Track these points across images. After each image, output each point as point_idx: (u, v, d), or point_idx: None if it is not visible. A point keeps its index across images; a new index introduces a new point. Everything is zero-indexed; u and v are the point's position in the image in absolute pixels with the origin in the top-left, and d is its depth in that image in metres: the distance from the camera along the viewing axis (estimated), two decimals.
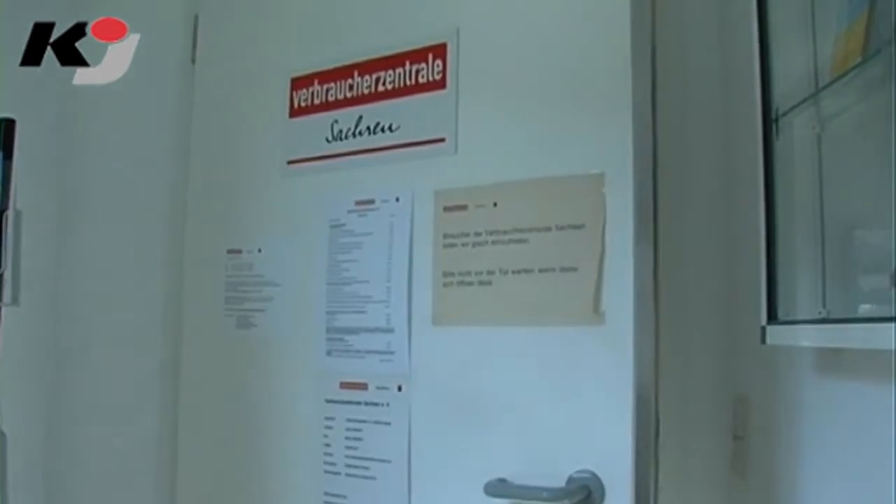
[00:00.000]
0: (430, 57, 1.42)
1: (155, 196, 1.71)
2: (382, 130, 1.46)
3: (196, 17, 1.76)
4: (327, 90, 1.54)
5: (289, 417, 1.53)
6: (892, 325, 0.77)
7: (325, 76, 1.54)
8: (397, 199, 1.43)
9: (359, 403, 1.43)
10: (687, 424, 1.50)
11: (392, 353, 1.40)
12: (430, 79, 1.41)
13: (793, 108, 1.11)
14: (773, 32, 1.18)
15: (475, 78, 1.37)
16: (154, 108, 1.73)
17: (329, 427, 1.46)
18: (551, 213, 1.27)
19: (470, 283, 1.34)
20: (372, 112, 1.47)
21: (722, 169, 1.52)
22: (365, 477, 1.41)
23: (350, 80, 1.51)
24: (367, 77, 1.49)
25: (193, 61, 1.75)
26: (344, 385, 1.45)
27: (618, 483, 1.18)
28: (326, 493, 1.45)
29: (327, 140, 1.52)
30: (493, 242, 1.32)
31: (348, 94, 1.51)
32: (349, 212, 1.48)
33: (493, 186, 1.33)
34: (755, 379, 1.40)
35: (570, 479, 1.21)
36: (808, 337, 1.09)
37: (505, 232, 1.31)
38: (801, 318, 1.10)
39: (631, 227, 1.20)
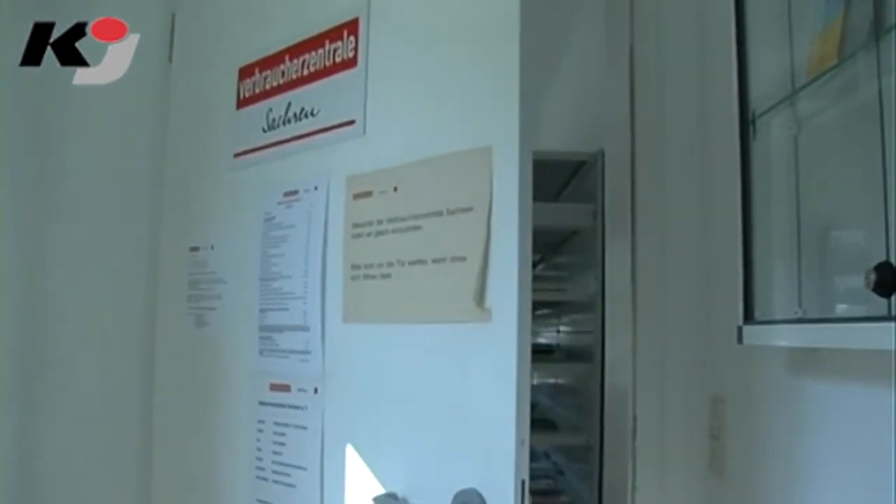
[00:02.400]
0: (345, 34, 1.31)
1: (131, 194, 1.71)
2: (306, 116, 1.37)
3: (173, 17, 1.75)
4: (265, 78, 1.47)
5: (230, 420, 1.47)
6: (877, 324, 0.77)
7: (264, 64, 1.48)
8: (315, 188, 1.33)
9: (283, 406, 1.35)
10: (664, 425, 1.51)
11: (309, 352, 1.31)
12: (345, 57, 1.31)
13: (770, 108, 1.10)
14: (750, 34, 1.17)
15: (383, 52, 1.26)
16: (132, 106, 1.73)
17: (260, 430, 1.39)
18: (443, 195, 1.13)
19: (373, 277, 1.22)
20: (298, 97, 1.39)
21: (699, 169, 1.52)
22: (287, 484, 1.33)
23: (282, 66, 1.43)
24: (294, 61, 1.41)
25: (171, 60, 1.74)
26: (273, 387, 1.38)
27: (499, 502, 1.02)
28: (258, 501, 1.38)
29: (263, 130, 1.45)
30: (394, 231, 1.19)
31: (280, 81, 1.44)
32: (278, 204, 1.40)
33: (394, 169, 1.21)
34: (732, 379, 1.38)
35: (456, 497, 1.06)
36: (784, 337, 1.09)
37: (403, 219, 1.18)
38: (777, 318, 1.10)
39: (517, 209, 1.03)
